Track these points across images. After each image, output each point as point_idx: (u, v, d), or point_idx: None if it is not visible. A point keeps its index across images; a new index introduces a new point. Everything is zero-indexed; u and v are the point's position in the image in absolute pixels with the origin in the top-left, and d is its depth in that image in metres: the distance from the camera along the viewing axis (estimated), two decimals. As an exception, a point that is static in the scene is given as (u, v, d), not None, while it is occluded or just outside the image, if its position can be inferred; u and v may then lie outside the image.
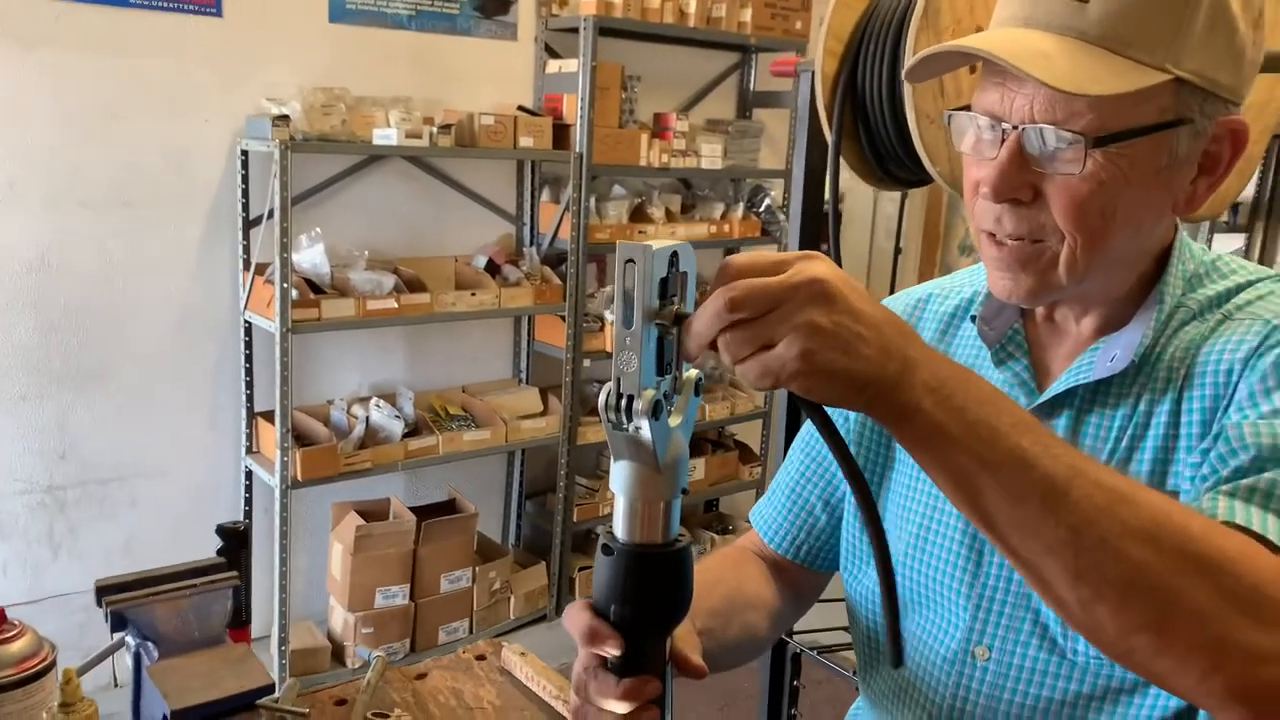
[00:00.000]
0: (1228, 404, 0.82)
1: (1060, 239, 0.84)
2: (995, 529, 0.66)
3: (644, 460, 0.73)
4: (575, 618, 0.76)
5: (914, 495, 1.02)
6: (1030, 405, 0.93)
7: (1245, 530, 0.69)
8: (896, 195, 5.13)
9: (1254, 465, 0.74)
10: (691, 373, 0.74)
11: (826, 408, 0.68)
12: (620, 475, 0.75)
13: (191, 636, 0.90)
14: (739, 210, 4.09)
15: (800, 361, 0.62)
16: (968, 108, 0.89)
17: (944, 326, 1.05)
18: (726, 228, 4.02)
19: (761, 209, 4.15)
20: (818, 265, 0.64)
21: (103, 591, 0.92)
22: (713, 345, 0.67)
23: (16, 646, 0.79)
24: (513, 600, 3.65)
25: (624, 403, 0.70)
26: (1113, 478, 0.66)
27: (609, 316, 3.80)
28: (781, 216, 4.15)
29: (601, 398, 0.72)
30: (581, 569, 3.89)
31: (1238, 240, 4.51)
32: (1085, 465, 0.66)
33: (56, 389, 2.96)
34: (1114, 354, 0.89)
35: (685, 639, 0.84)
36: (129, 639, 0.92)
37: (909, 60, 0.86)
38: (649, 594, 0.75)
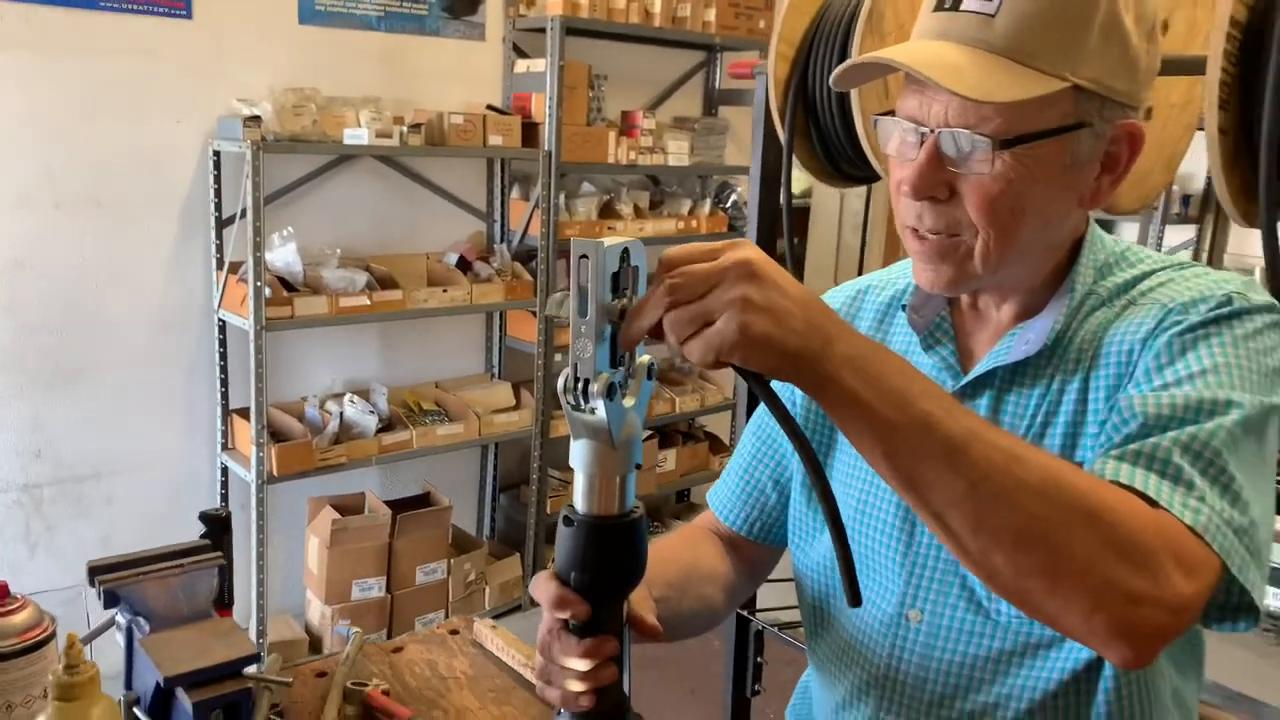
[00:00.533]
0: (1128, 380, 0.90)
1: (975, 233, 0.92)
2: (906, 486, 0.75)
3: (600, 439, 0.80)
4: (542, 587, 0.83)
5: (853, 474, 1.10)
6: (956, 386, 1.01)
7: (1128, 488, 0.78)
8: (862, 191, 5.23)
9: (1141, 432, 0.83)
10: (644, 358, 0.81)
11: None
12: (579, 453, 0.82)
13: (180, 612, 0.97)
14: (706, 206, 4.17)
15: (738, 333, 0.70)
16: (893, 113, 0.97)
17: (881, 315, 1.13)
18: (694, 223, 4.10)
19: (728, 204, 4.23)
20: (746, 250, 0.73)
21: (95, 571, 0.98)
22: (657, 332, 0.75)
23: (19, 618, 0.85)
24: (487, 591, 3.71)
25: (581, 385, 0.77)
26: (1007, 439, 0.75)
27: (563, 314, 3.86)
28: (748, 212, 4.23)
29: (560, 381, 0.79)
30: (538, 573, 3.96)
31: (1189, 231, 4.66)
32: (983, 429, 0.74)
33: (31, 388, 2.99)
34: (1029, 338, 0.97)
35: (641, 603, 0.91)
36: (121, 615, 0.99)
37: (838, 68, 0.94)
38: (606, 561, 0.83)
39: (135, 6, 2.98)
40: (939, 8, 0.92)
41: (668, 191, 4.22)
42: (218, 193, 3.18)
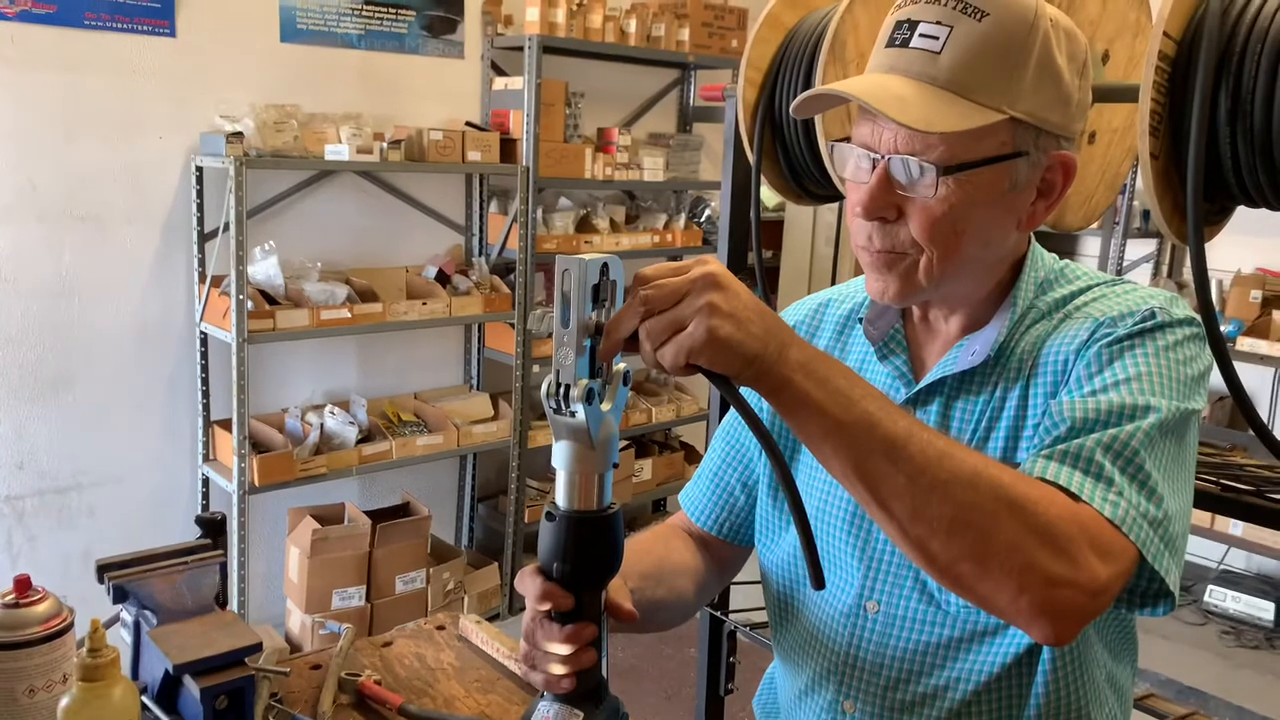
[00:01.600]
0: (1063, 388, 0.99)
1: (919, 250, 1.00)
2: (854, 480, 0.83)
3: (580, 439, 0.88)
4: (527, 582, 0.91)
5: (813, 480, 1.17)
6: (908, 394, 1.09)
7: (1053, 484, 0.86)
8: (835, 205, 5.35)
9: (1069, 434, 0.91)
10: (620, 366, 0.89)
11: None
12: (560, 453, 0.89)
13: (185, 606, 1.03)
14: (681, 220, 4.26)
15: (706, 335, 0.79)
16: (849, 139, 1.05)
17: (840, 327, 1.21)
18: (670, 237, 4.18)
19: (702, 219, 4.33)
20: (711, 265, 0.82)
21: (104, 569, 1.04)
22: (629, 345, 0.83)
23: (41, 608, 0.91)
24: (466, 600, 3.76)
25: (562, 390, 0.85)
26: (940, 438, 0.83)
27: (544, 330, 3.93)
28: (719, 227, 4.33)
29: (543, 387, 0.87)
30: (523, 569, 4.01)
31: (1149, 245, 4.80)
32: (918, 428, 0.83)
33: (14, 401, 3.03)
34: (975, 349, 1.05)
35: (618, 591, 0.98)
36: (127, 610, 1.05)
37: (797, 98, 1.02)
38: (586, 552, 0.90)
39: (119, 25, 3.03)
40: (890, 44, 1.00)
41: (643, 206, 4.31)
42: (200, 207, 3.23)
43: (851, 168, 1.04)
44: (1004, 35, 0.95)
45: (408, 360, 3.85)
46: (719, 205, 4.42)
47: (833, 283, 5.36)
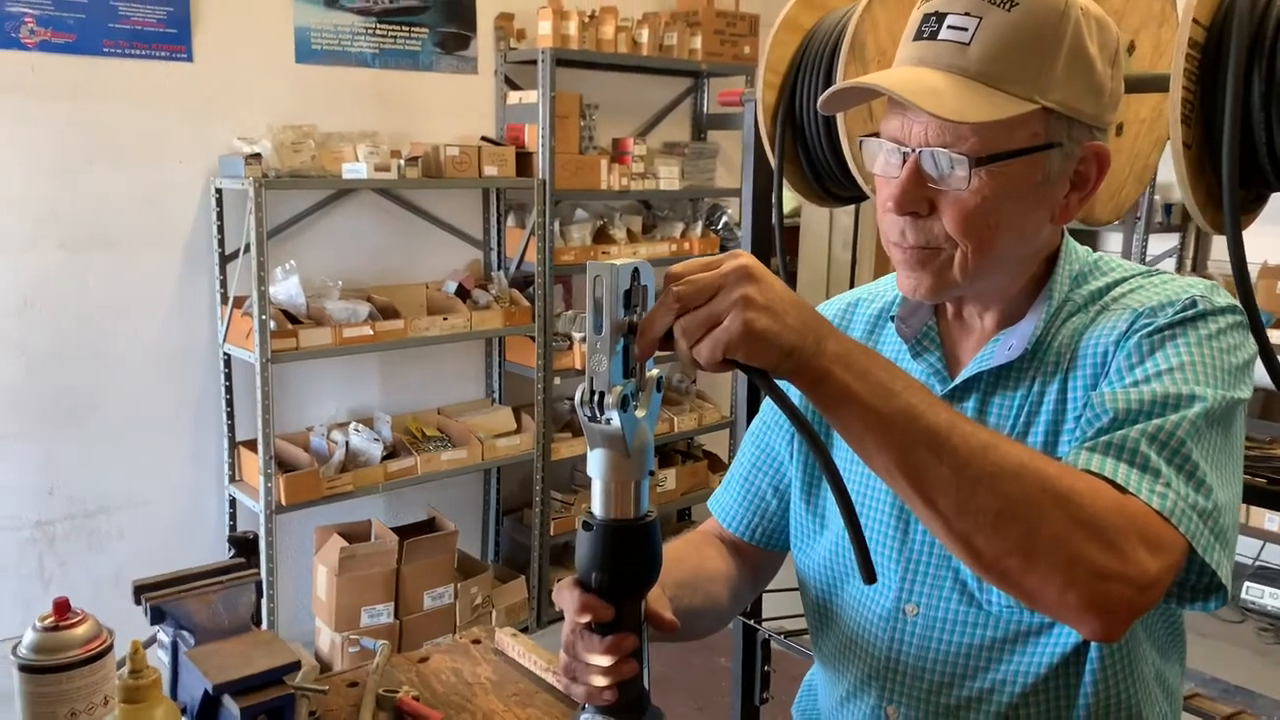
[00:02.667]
0: (1103, 380, 0.97)
1: (953, 245, 0.99)
2: (897, 472, 0.81)
3: (615, 447, 0.87)
4: (565, 595, 0.90)
5: (849, 477, 1.16)
6: (944, 390, 1.07)
7: (1098, 476, 0.85)
8: (851, 208, 5.33)
9: (1112, 425, 0.90)
10: (653, 372, 0.88)
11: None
12: (595, 461, 0.88)
13: (222, 625, 1.02)
14: (698, 228, 4.25)
15: (743, 328, 0.77)
16: (877, 134, 1.04)
17: (871, 326, 1.20)
18: (687, 245, 4.17)
19: (719, 226, 4.32)
20: (743, 258, 0.81)
21: (141, 590, 1.03)
22: (664, 344, 0.82)
23: (81, 630, 0.91)
24: (494, 614, 3.75)
25: (597, 398, 0.84)
26: (982, 430, 0.82)
27: (577, 336, 3.94)
28: (739, 233, 4.32)
29: (577, 395, 0.86)
30: (560, 580, 4.00)
31: (1172, 240, 4.75)
32: (960, 419, 0.82)
33: (42, 427, 3.05)
34: (1012, 343, 1.04)
35: (657, 600, 0.97)
36: (164, 631, 1.04)
37: (824, 93, 1.01)
38: (625, 562, 0.89)
39: (138, 51, 3.06)
40: (918, 36, 0.99)
41: (660, 215, 4.30)
42: (220, 229, 3.25)
43: (880, 163, 1.03)
44: (1035, 24, 0.94)
45: (430, 375, 3.85)
46: (736, 212, 4.42)
47: (851, 286, 5.33)
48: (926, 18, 0.99)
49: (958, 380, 1.07)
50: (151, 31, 3.07)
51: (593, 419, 0.85)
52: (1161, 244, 4.67)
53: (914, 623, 1.08)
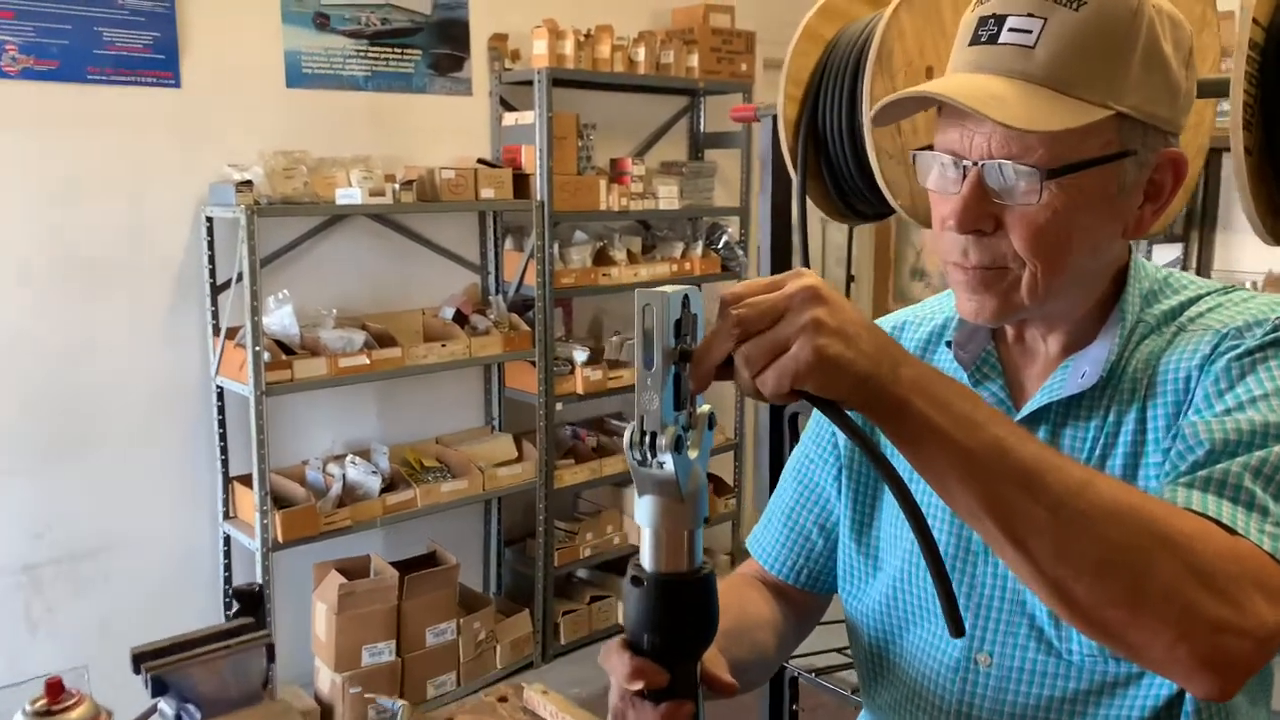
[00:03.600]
0: (1187, 407, 0.89)
1: (1021, 265, 0.91)
2: (983, 515, 0.73)
3: (668, 493, 0.78)
4: (615, 659, 0.80)
5: (902, 516, 1.08)
6: (1011, 422, 0.99)
7: (1201, 515, 0.76)
8: (843, 225, 5.28)
9: (1208, 459, 0.82)
10: (705, 408, 0.80)
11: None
12: (646, 509, 0.80)
13: (230, 696, 0.93)
14: (698, 248, 4.18)
15: (814, 355, 0.69)
16: (930, 147, 0.97)
17: (921, 351, 1.11)
18: (688, 265, 4.10)
19: (720, 245, 4.25)
20: (808, 277, 0.73)
21: (140, 658, 0.94)
22: (721, 373, 0.74)
23: (76, 713, 0.82)
24: (499, 649, 3.64)
25: (649, 439, 0.76)
26: (1078, 466, 0.74)
27: (625, 358, 3.85)
28: (740, 252, 4.25)
29: (626, 436, 0.77)
30: (565, 613, 3.90)
31: (1175, 250, 4.71)
32: (1053, 454, 0.74)
33: (30, 466, 2.94)
34: (1084, 370, 0.96)
35: (713, 659, 0.88)
36: (166, 704, 0.95)
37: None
38: (680, 621, 0.80)
39: (123, 79, 2.98)
40: (975, 41, 0.91)
41: (659, 236, 4.23)
42: (211, 259, 3.16)
43: (935, 177, 0.95)
44: (1106, 24, 0.86)
45: (428, 404, 3.76)
46: (735, 231, 4.35)
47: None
48: (983, 20, 0.91)
49: (1025, 411, 0.99)
50: (137, 58, 2.99)
51: (643, 463, 0.77)
52: (1164, 254, 4.62)
53: (987, 674, 0.99)
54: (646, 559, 0.81)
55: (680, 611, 0.80)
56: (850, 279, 5.60)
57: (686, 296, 0.76)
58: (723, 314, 0.73)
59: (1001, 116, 0.85)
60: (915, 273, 5.59)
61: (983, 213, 0.91)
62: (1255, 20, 1.13)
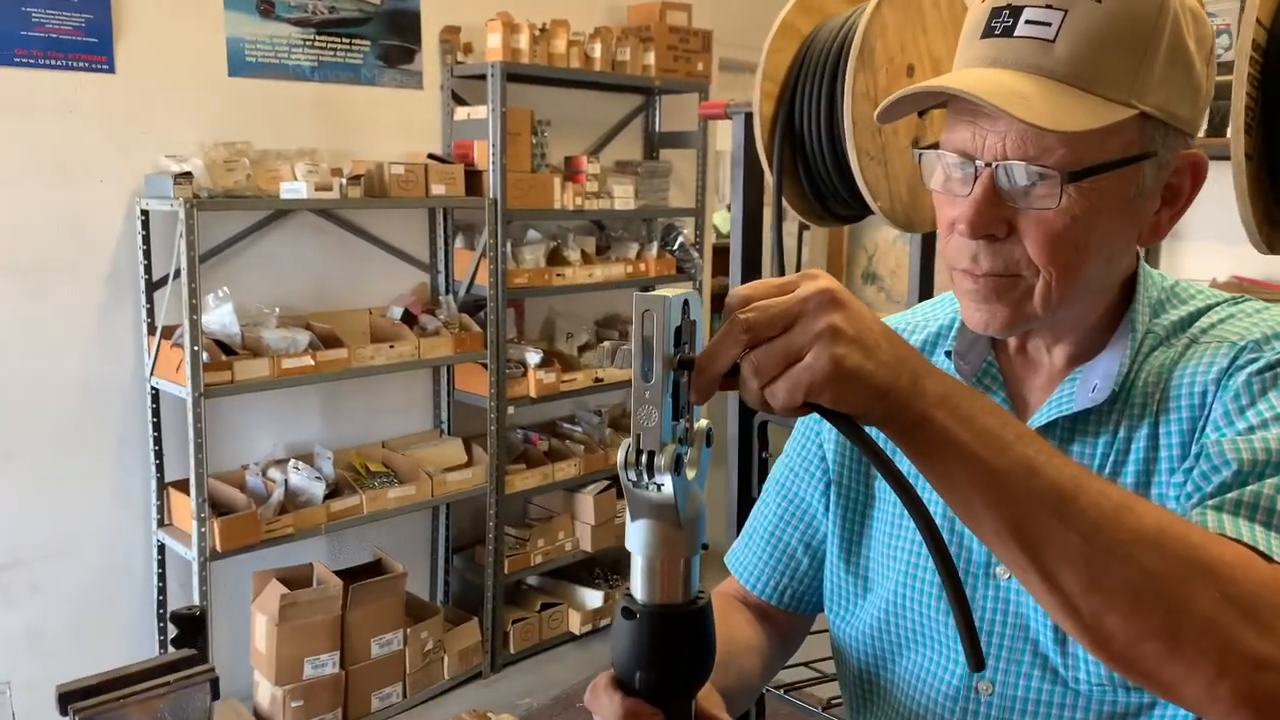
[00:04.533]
0: (1204, 423, 0.85)
1: (1035, 272, 0.86)
2: (1010, 540, 0.67)
3: (665, 517, 0.71)
4: (604, 700, 0.73)
5: (898, 533, 1.02)
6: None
7: (1236, 541, 0.71)
8: (794, 228, 5.25)
9: (1236, 480, 0.77)
10: (702, 423, 0.73)
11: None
12: (639, 535, 0.73)
13: (169, 738, 0.84)
14: (653, 249, 4.12)
15: (831, 365, 0.63)
16: (936, 146, 0.91)
17: (916, 361, 1.06)
18: (643, 266, 4.04)
19: (675, 246, 4.19)
20: (823, 279, 0.66)
21: (67, 699, 0.84)
22: (726, 383, 0.67)
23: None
24: (446, 660, 3.54)
25: (646, 459, 0.68)
26: (1113, 488, 0.68)
27: (619, 365, 3.75)
28: (695, 254, 4.20)
29: (620, 455, 0.70)
30: (515, 622, 3.81)
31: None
32: (1086, 476, 0.68)
33: (-54, 472, 2.77)
34: (1094, 384, 0.90)
35: (707, 696, 0.81)
36: (96, 747, 0.85)
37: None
38: (677, 656, 0.73)
39: (54, 62, 2.82)
40: (988, 33, 0.86)
41: (614, 236, 4.16)
42: (146, 254, 3.01)
43: (941, 178, 0.89)
44: (1131, 17, 0.81)
45: (374, 407, 3.64)
46: (690, 233, 4.29)
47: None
48: (996, 11, 0.86)
49: (1030, 426, 0.93)
50: (69, 40, 2.83)
51: (639, 484, 0.70)
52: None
53: (988, 703, 0.94)
54: (639, 589, 0.74)
55: (678, 646, 0.74)
56: (801, 282, 5.61)
57: (686, 301, 0.69)
58: (729, 317, 0.66)
59: (1026, 115, 0.79)
60: (867, 276, 5.59)
61: (995, 217, 0.85)
62: (1259, 21, 1.09)
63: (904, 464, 0.71)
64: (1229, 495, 0.76)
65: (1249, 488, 0.76)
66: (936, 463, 0.68)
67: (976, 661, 0.67)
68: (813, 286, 0.65)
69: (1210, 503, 0.77)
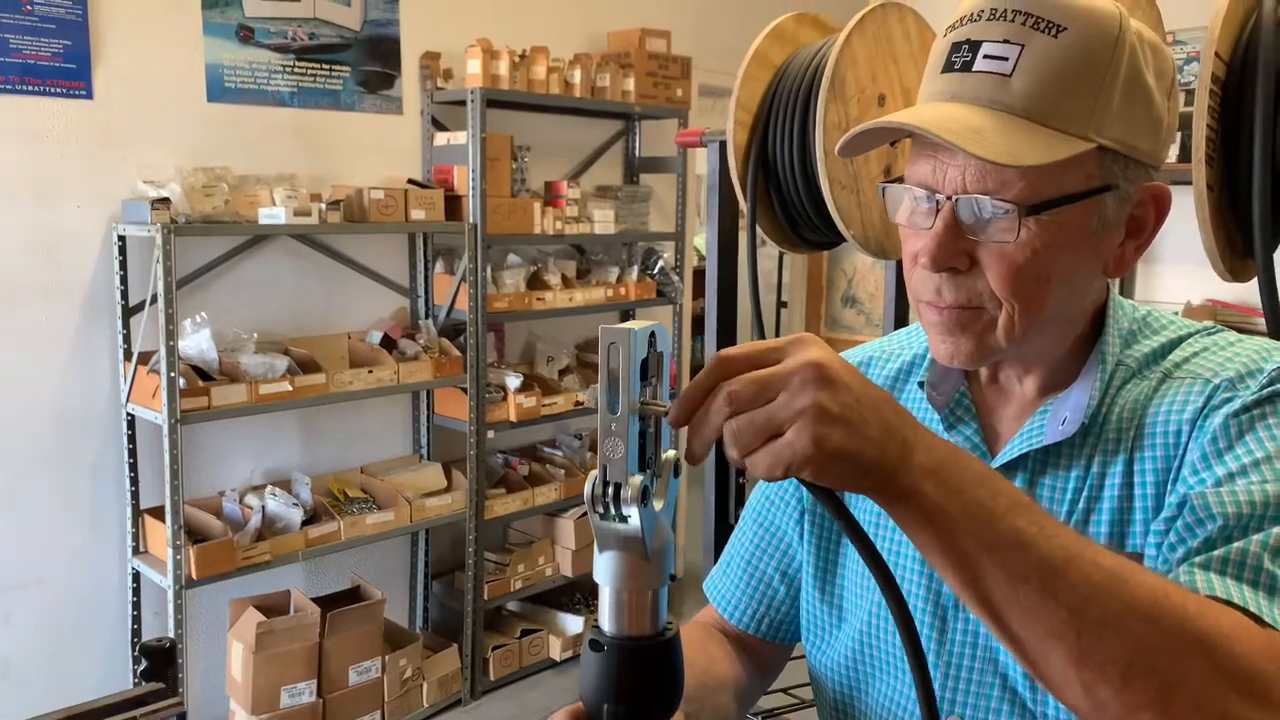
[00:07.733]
0: (1179, 464, 0.84)
1: (998, 305, 0.86)
2: (995, 612, 0.67)
3: (632, 549, 0.71)
4: None
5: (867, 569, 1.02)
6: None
7: (1229, 604, 0.71)
8: (773, 252, 5.27)
9: (1222, 535, 0.76)
10: (669, 453, 0.73)
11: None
12: (607, 567, 0.73)
13: (134, 776, 0.83)
14: (634, 273, 4.13)
15: (813, 447, 0.62)
16: (900, 179, 0.92)
17: (888, 389, 1.06)
18: (623, 290, 4.05)
19: (655, 271, 4.20)
20: (812, 349, 0.65)
21: (29, 734, 0.83)
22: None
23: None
24: (425, 687, 3.51)
25: (612, 491, 0.69)
26: (1107, 556, 0.67)
27: (592, 403, 3.75)
28: (675, 278, 4.21)
29: (588, 488, 0.70)
30: (495, 648, 3.78)
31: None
32: (1081, 546, 0.67)
33: (-83, 500, 2.73)
34: (1064, 416, 0.90)
35: (676, 730, 0.81)
36: (59, 785, 0.84)
37: (826, 133, 0.88)
38: (645, 688, 0.73)
39: (30, 87, 2.81)
40: (948, 68, 0.87)
41: (594, 260, 4.17)
42: (123, 279, 2.99)
43: (906, 212, 0.90)
44: (1087, 52, 0.82)
45: (353, 432, 3.62)
46: (671, 257, 4.31)
47: (778, 332, 5.28)
48: (956, 47, 0.87)
49: (1000, 460, 0.94)
50: (46, 66, 2.83)
51: (605, 516, 0.70)
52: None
53: (959, 735, 0.93)
54: (606, 621, 0.74)
55: (646, 678, 0.74)
56: (781, 305, 5.62)
57: (653, 333, 0.70)
58: (710, 379, 0.66)
59: (979, 151, 0.80)
60: (847, 299, 5.62)
61: (957, 250, 0.86)
62: (1217, 54, 1.11)
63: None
64: (1216, 553, 0.75)
65: (1235, 544, 0.75)
66: (923, 535, 0.68)
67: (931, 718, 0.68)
68: (800, 359, 0.64)
69: (1197, 560, 0.75)
